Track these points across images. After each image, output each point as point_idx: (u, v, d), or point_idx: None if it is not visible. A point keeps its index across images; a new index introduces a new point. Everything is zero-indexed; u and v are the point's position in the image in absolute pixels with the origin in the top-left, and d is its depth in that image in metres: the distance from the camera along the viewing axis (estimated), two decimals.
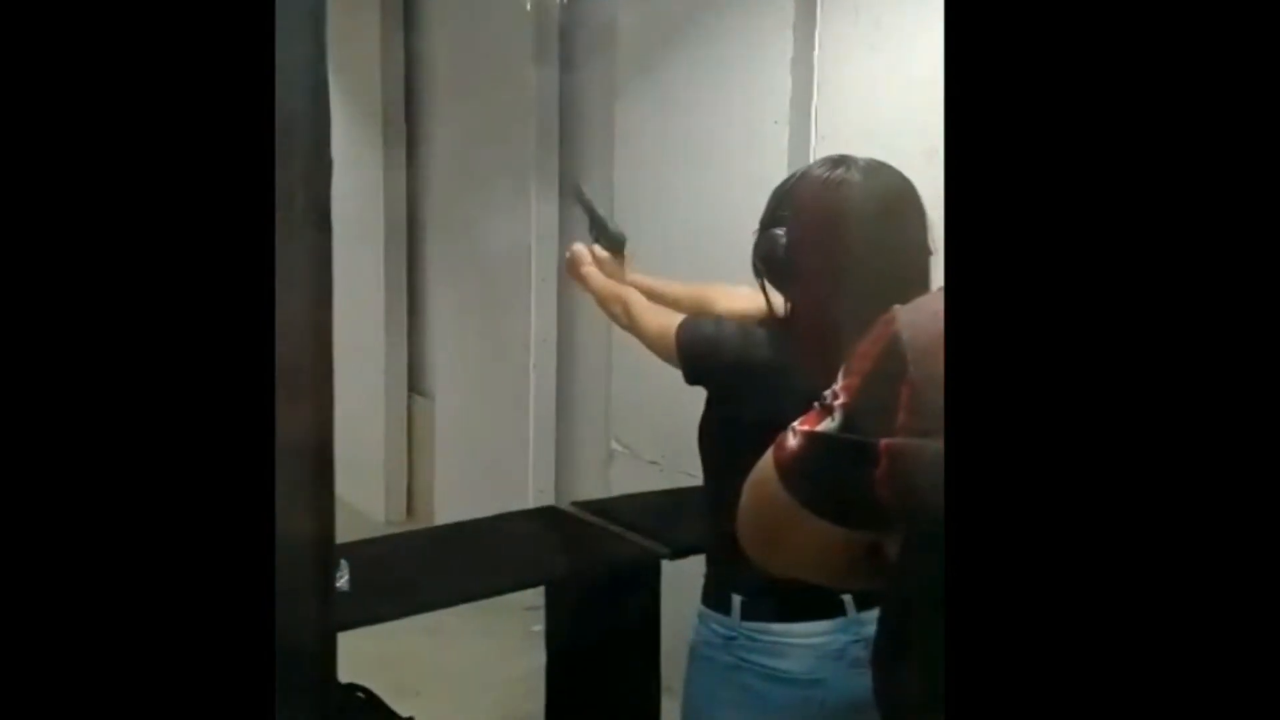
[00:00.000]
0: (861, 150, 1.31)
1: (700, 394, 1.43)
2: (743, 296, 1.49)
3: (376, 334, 4.24)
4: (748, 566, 0.91)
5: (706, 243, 2.45)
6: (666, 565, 1.99)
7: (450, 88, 3.82)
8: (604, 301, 1.67)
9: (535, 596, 2.31)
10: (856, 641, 1.33)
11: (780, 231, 1.29)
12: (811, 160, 2.25)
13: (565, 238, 3.14)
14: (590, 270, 1.73)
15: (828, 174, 1.27)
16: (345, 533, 1.10)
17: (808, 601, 1.32)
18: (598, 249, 1.75)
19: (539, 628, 2.16)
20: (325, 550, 0.81)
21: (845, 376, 0.76)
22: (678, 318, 1.45)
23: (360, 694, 1.89)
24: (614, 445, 3.04)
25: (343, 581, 1.67)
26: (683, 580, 1.81)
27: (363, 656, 1.51)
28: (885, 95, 2.16)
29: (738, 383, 1.34)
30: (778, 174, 2.31)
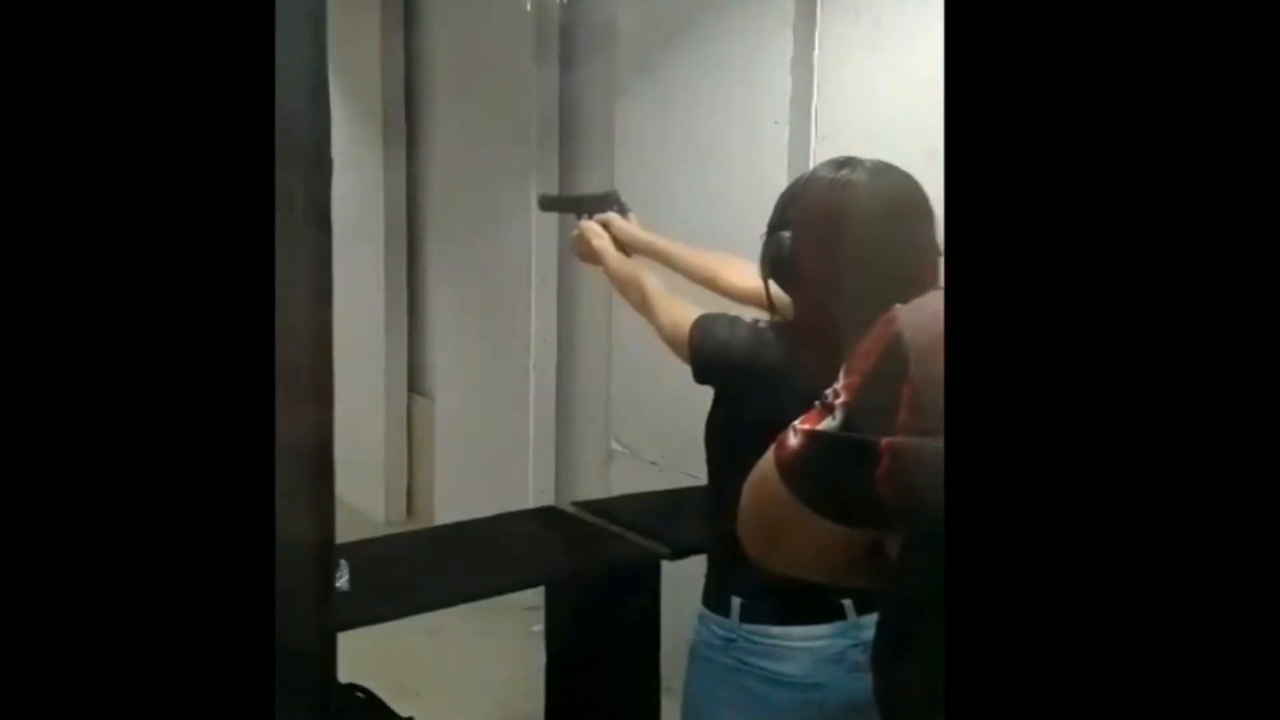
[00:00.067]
0: (861, 150, 1.31)
1: (702, 394, 1.43)
2: (753, 273, 1.46)
3: (376, 334, 4.24)
4: (748, 567, 0.91)
5: (706, 242, 2.44)
6: (666, 565, 1.99)
7: (450, 88, 3.82)
8: (620, 283, 1.66)
9: (535, 596, 2.32)
10: (855, 645, 1.33)
11: (788, 234, 1.29)
12: (811, 160, 2.28)
13: (565, 238, 3.14)
14: (604, 245, 1.71)
15: (834, 176, 1.26)
16: (345, 533, 1.10)
17: (807, 604, 1.32)
18: (604, 216, 1.74)
19: (539, 628, 2.16)
20: (325, 550, 0.81)
21: (846, 375, 0.76)
22: (693, 311, 1.44)
23: (360, 694, 1.89)
24: (614, 445, 3.04)
25: (343, 581, 1.67)
26: (683, 580, 1.81)
27: (363, 656, 1.51)
28: (885, 95, 2.16)
29: (748, 384, 1.34)
30: (778, 174, 2.33)
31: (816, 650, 1.33)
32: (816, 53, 2.33)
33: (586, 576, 2.02)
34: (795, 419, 0.80)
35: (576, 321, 3.34)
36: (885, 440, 0.71)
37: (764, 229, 1.34)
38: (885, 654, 0.81)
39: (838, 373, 0.78)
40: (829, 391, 0.77)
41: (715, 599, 1.38)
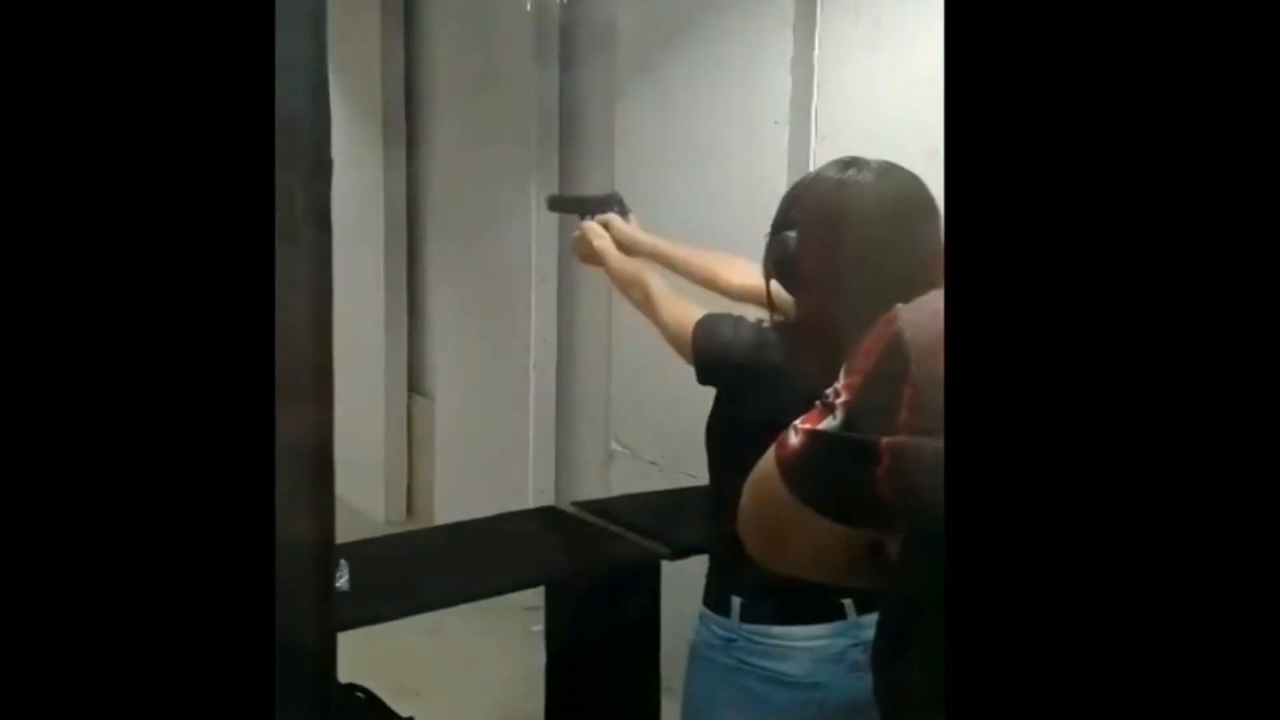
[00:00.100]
0: (861, 150, 1.30)
1: (702, 394, 1.42)
2: (753, 272, 1.46)
3: (376, 334, 4.24)
4: (748, 567, 0.91)
5: (706, 242, 2.44)
6: (666, 565, 1.99)
7: (450, 88, 3.82)
8: (622, 283, 1.65)
9: (535, 596, 2.32)
10: (856, 645, 1.33)
11: (793, 234, 1.29)
12: (811, 160, 2.28)
13: (565, 238, 3.14)
14: (605, 245, 1.71)
15: (840, 176, 1.26)
16: (345, 533, 1.10)
17: (808, 604, 1.32)
18: (605, 217, 1.75)
19: (539, 628, 2.16)
20: (325, 550, 0.81)
21: (847, 375, 0.76)
22: (697, 311, 1.44)
23: (360, 694, 1.89)
24: (614, 445, 3.04)
25: (343, 581, 1.67)
26: (683, 580, 1.81)
27: (363, 656, 1.51)
28: (885, 95, 2.16)
29: (751, 385, 1.34)
30: (778, 174, 2.33)
31: (817, 650, 1.33)
32: (816, 53, 2.33)
33: (586, 576, 2.02)
34: (796, 419, 0.80)
35: (576, 321, 3.34)
36: (886, 440, 0.71)
37: (767, 229, 1.33)
38: (885, 654, 0.81)
39: (840, 372, 0.78)
40: (830, 391, 0.77)
41: (716, 599, 1.38)
